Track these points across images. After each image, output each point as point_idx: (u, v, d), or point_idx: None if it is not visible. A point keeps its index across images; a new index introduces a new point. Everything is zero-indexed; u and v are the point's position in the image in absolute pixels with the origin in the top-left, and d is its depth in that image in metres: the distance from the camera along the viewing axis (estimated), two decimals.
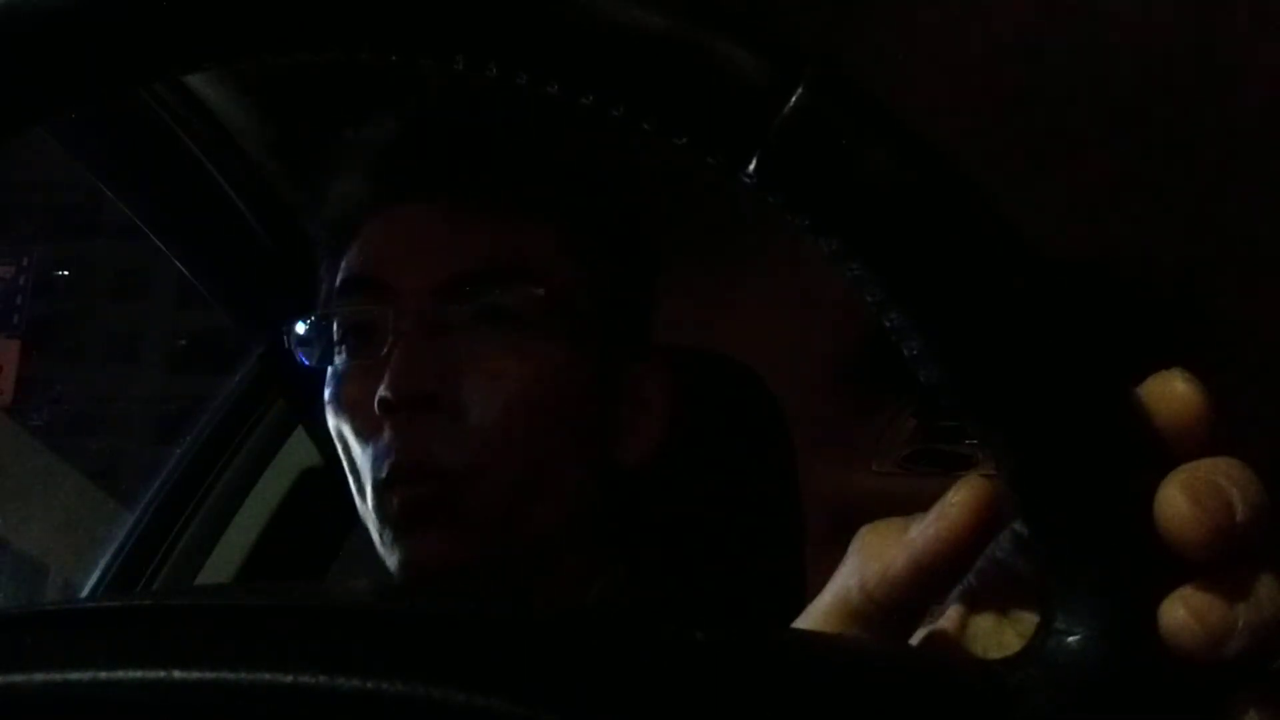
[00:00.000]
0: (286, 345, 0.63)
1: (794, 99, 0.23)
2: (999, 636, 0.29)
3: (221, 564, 1.03)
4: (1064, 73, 0.84)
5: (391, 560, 0.59)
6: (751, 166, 0.23)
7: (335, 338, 0.62)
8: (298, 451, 1.07)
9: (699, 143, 0.24)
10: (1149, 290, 1.15)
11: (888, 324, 0.24)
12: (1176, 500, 0.23)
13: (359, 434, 0.59)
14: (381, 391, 0.56)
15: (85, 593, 1.07)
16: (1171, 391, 0.24)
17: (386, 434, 0.57)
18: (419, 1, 0.23)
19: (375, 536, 0.60)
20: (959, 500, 0.27)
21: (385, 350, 0.58)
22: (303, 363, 0.63)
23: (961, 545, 0.27)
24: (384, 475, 0.57)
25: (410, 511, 0.57)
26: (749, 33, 0.23)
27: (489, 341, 0.58)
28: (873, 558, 0.28)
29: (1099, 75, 0.84)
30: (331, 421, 0.61)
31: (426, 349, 0.57)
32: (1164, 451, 0.24)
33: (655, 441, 0.64)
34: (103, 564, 1.04)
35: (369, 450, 0.58)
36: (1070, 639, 0.24)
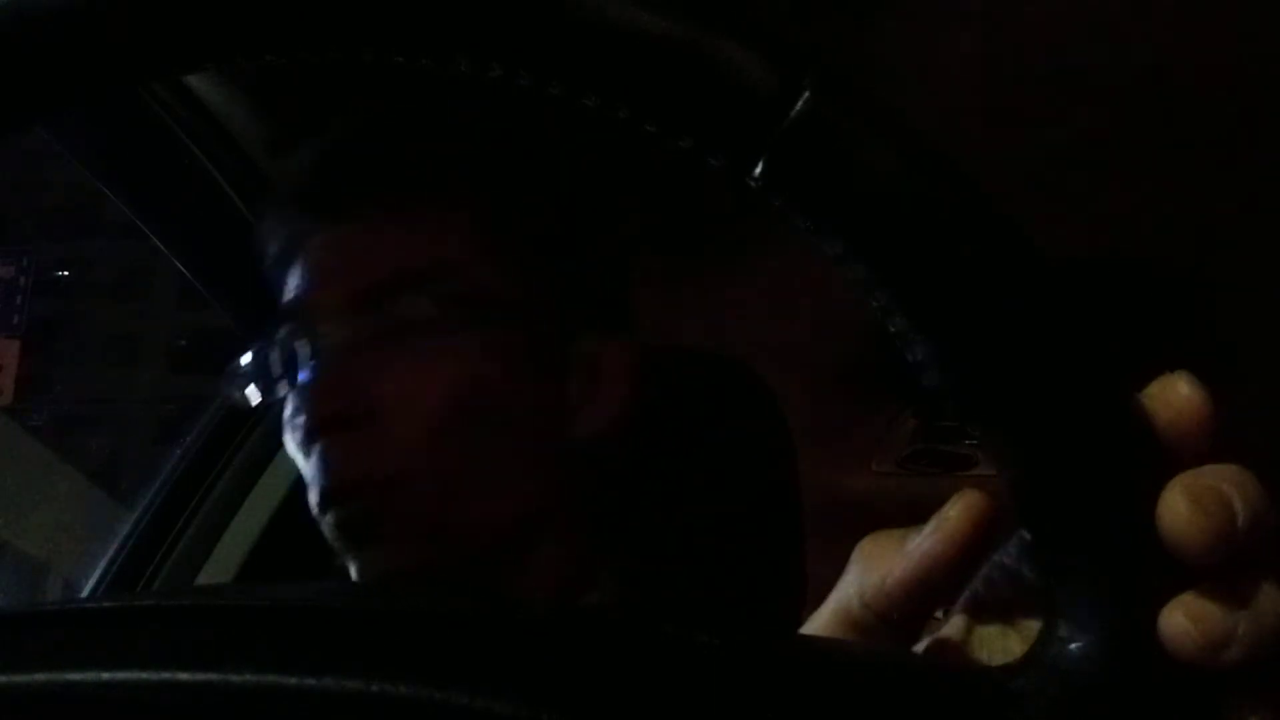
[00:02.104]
0: (224, 389, 0.65)
1: (800, 103, 0.23)
2: (1003, 643, 0.29)
3: (221, 564, 1.03)
4: (1066, 74, 0.84)
5: (353, 577, 0.60)
6: (757, 170, 0.23)
7: (276, 372, 0.63)
8: None
9: (704, 146, 0.24)
10: (1151, 291, 1.15)
11: (891, 328, 0.24)
12: (1178, 506, 0.23)
13: (301, 462, 0.61)
14: (300, 420, 0.58)
15: (85, 593, 1.07)
16: (1175, 395, 0.24)
17: (314, 459, 0.59)
18: (422, 3, 0.23)
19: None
20: (955, 513, 0.28)
21: (303, 376, 0.60)
22: (251, 399, 0.65)
23: (959, 557, 0.28)
24: (319, 500, 0.59)
25: (346, 531, 0.58)
26: (755, 36, 0.23)
27: (404, 348, 0.59)
28: (872, 570, 0.29)
29: (1103, 77, 0.84)
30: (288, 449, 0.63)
31: (340, 370, 0.58)
32: (1167, 455, 0.24)
33: (616, 412, 0.64)
34: (103, 564, 1.04)
35: (307, 478, 0.60)
36: (1073, 645, 0.24)
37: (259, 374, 0.63)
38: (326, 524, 0.59)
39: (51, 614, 0.25)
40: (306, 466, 0.60)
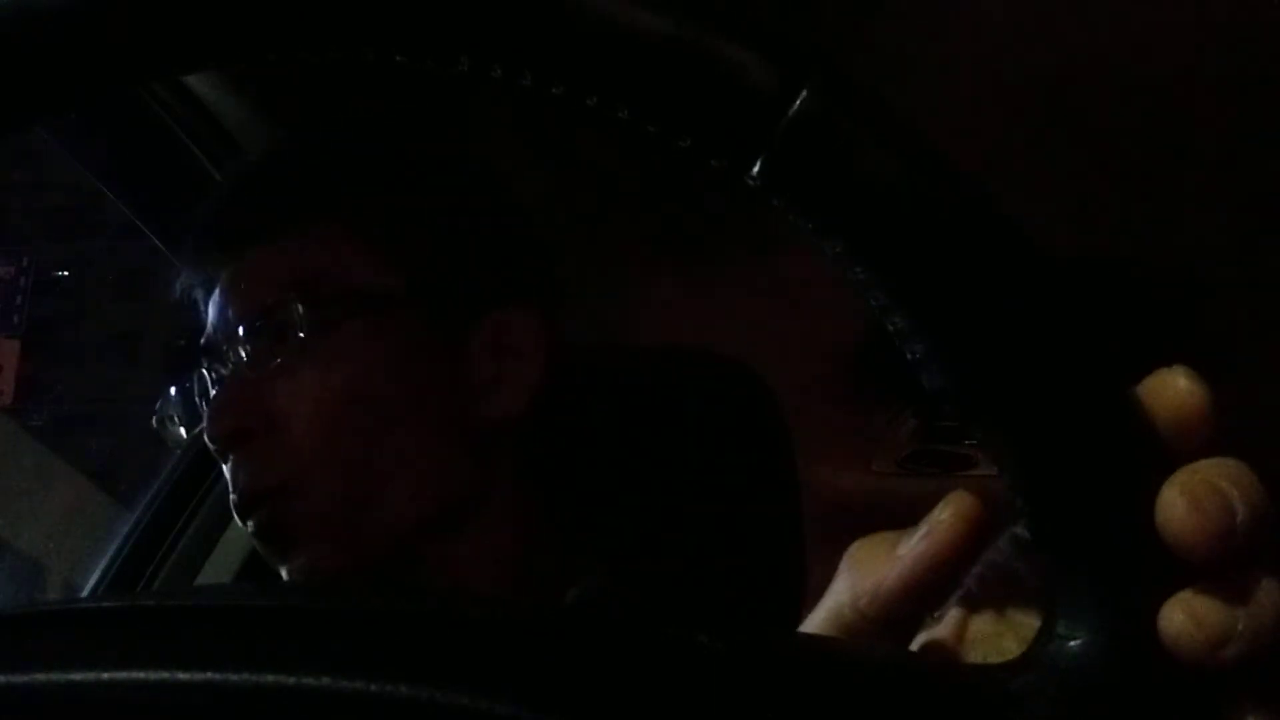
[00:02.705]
0: (155, 425, 0.70)
1: (799, 102, 0.23)
2: (999, 641, 0.29)
3: (221, 564, 1.03)
4: (1067, 74, 0.84)
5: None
6: (756, 169, 0.23)
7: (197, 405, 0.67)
8: None
9: (703, 145, 0.24)
10: (1150, 291, 1.15)
11: (891, 327, 0.24)
12: (1176, 504, 0.23)
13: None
14: (206, 441, 0.62)
15: (85, 593, 1.07)
16: (1173, 389, 0.24)
17: (228, 474, 0.62)
18: (423, 4, 0.23)
19: None
20: (946, 516, 0.28)
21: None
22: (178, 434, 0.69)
23: (951, 561, 0.28)
24: (237, 511, 0.62)
25: (261, 536, 0.62)
26: (754, 35, 0.23)
27: (290, 360, 0.61)
28: (864, 574, 0.29)
29: (1102, 76, 0.84)
30: None
31: (237, 388, 0.62)
32: (1167, 451, 0.24)
33: (531, 387, 0.64)
34: (103, 564, 1.04)
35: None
36: (1071, 643, 0.24)
37: (185, 408, 0.67)
38: (251, 533, 0.62)
39: (51, 614, 0.25)
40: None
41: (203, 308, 0.67)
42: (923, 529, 0.28)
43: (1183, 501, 0.23)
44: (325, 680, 0.21)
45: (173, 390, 0.68)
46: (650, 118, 0.24)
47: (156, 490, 1.05)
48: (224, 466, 0.62)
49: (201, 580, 1.02)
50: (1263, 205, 0.99)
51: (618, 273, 1.11)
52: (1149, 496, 0.24)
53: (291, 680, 0.21)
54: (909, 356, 0.24)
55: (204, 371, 0.66)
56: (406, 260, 0.63)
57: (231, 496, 0.62)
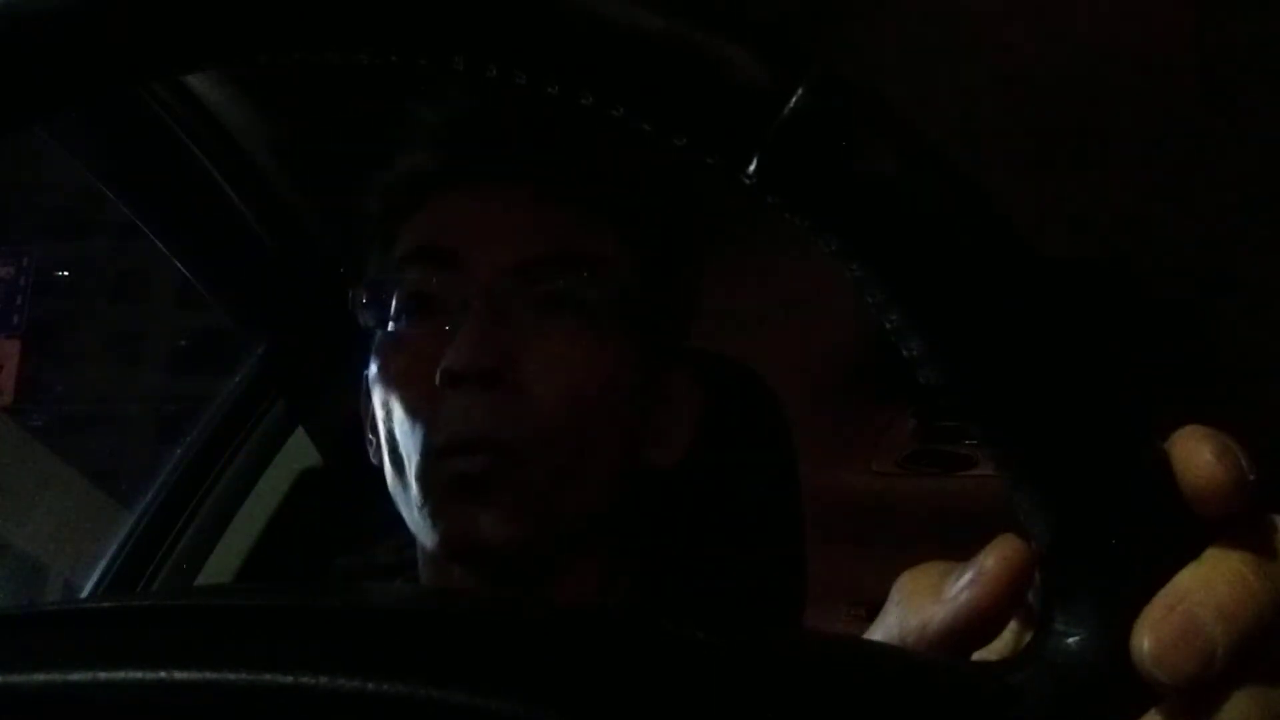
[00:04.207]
0: (350, 308, 0.63)
1: (794, 100, 0.23)
2: (998, 637, 0.29)
3: (221, 564, 1.03)
4: (1067, 73, 0.84)
5: (431, 534, 0.59)
6: (752, 167, 0.23)
7: (395, 306, 0.62)
8: (298, 451, 1.07)
9: (699, 144, 0.24)
10: (1149, 291, 1.15)
11: (888, 324, 0.24)
12: (1144, 645, 0.23)
13: (412, 404, 0.59)
14: (447, 363, 0.57)
15: (85, 593, 1.07)
16: (1195, 451, 0.24)
17: (447, 405, 0.58)
18: (419, 3, 0.23)
19: (413, 510, 0.60)
20: (993, 562, 0.27)
21: (451, 323, 0.59)
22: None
23: (996, 609, 0.28)
24: (440, 444, 0.58)
25: (464, 482, 0.58)
26: (750, 33, 0.23)
27: (554, 326, 0.59)
28: (912, 611, 0.29)
29: (1103, 76, 0.84)
30: (379, 391, 0.61)
31: (497, 325, 0.58)
32: (1166, 450, 0.24)
33: (683, 448, 0.65)
34: (103, 564, 1.04)
35: (422, 420, 0.59)
36: (1069, 640, 0.24)
37: (373, 304, 0.62)
38: (441, 473, 0.58)
39: (51, 614, 0.25)
40: (419, 411, 0.59)
41: (414, 203, 0.62)
42: (969, 573, 0.28)
43: (1157, 636, 0.23)
44: (323, 679, 0.21)
45: (364, 289, 0.62)
46: (646, 116, 0.24)
47: (156, 490, 1.05)
48: (445, 398, 0.57)
49: (201, 580, 1.02)
50: (1264, 204, 0.99)
51: None
52: (1149, 495, 0.24)
53: (290, 680, 0.21)
54: (906, 353, 0.24)
55: (425, 276, 0.61)
56: (655, 287, 0.63)
57: (449, 427, 0.57)
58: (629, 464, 0.63)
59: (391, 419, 0.61)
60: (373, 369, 0.62)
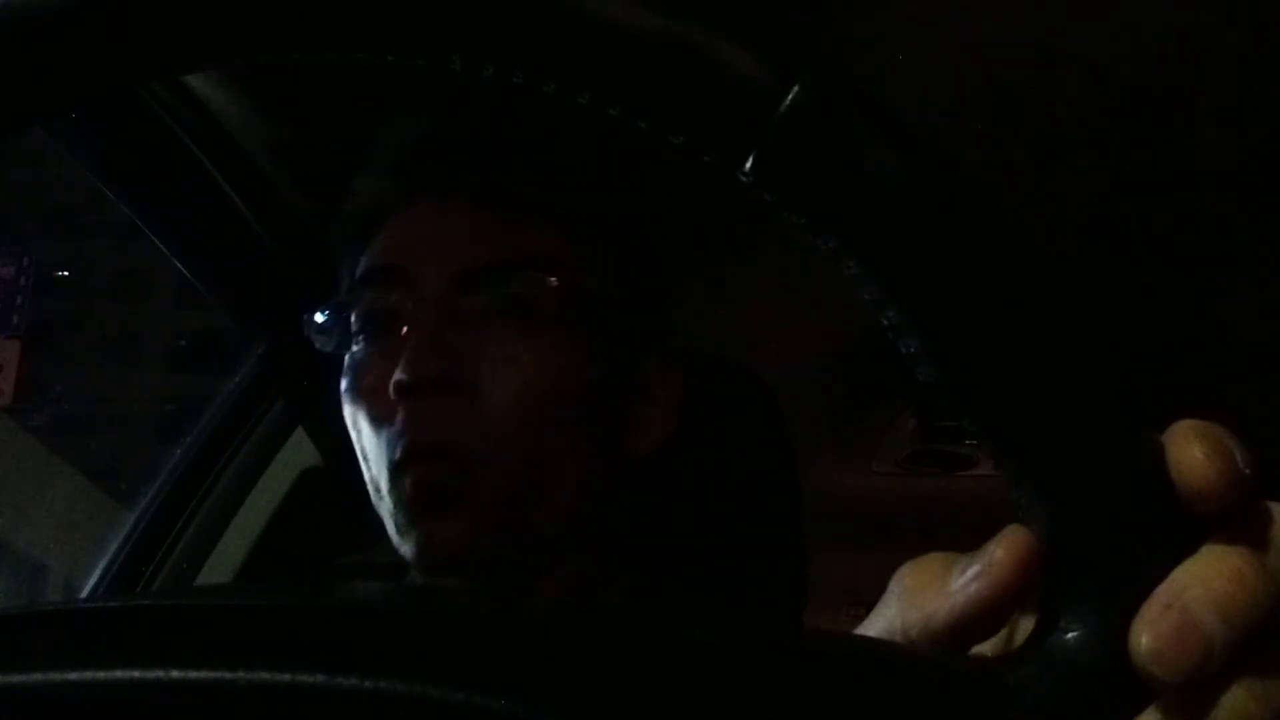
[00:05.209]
0: (305, 334, 0.65)
1: (790, 97, 0.23)
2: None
3: (221, 564, 1.03)
4: (1065, 71, 0.84)
5: (407, 546, 0.59)
6: (748, 165, 0.23)
7: (354, 327, 0.63)
8: (298, 451, 1.07)
9: (695, 142, 0.24)
10: (1150, 288, 1.15)
11: (885, 322, 0.24)
12: (1142, 641, 0.23)
13: (375, 419, 0.60)
14: (397, 375, 0.58)
15: (85, 593, 1.07)
16: (1188, 449, 0.24)
17: (401, 416, 0.58)
18: (416, 3, 0.23)
19: (390, 524, 0.60)
20: (1001, 554, 0.27)
21: (402, 336, 0.59)
22: (319, 350, 0.64)
23: (1003, 603, 0.27)
24: (398, 456, 0.58)
25: (425, 491, 0.58)
26: (746, 31, 0.23)
27: (504, 330, 0.60)
28: (913, 604, 0.28)
29: (1101, 74, 0.84)
30: (348, 408, 0.62)
31: (443, 334, 0.59)
32: (1164, 450, 0.24)
33: (663, 438, 0.65)
34: (103, 564, 1.04)
35: (384, 433, 0.59)
36: (1070, 636, 0.24)
37: (337, 327, 0.63)
38: (403, 484, 0.59)
39: (51, 614, 0.25)
40: (381, 425, 0.60)
41: (372, 224, 0.63)
42: (976, 566, 0.27)
43: (1150, 641, 0.23)
44: (321, 678, 0.21)
45: (322, 313, 0.63)
46: (642, 115, 0.24)
47: (156, 490, 1.05)
48: (399, 408, 0.58)
49: (201, 580, 1.02)
50: (1263, 204, 0.99)
51: None
52: (1147, 493, 0.24)
53: (288, 678, 0.21)
54: (903, 351, 0.24)
55: (378, 295, 0.62)
56: (613, 284, 0.63)
57: (405, 438, 0.58)
58: (606, 457, 0.63)
59: (361, 436, 0.62)
60: (342, 388, 0.63)
